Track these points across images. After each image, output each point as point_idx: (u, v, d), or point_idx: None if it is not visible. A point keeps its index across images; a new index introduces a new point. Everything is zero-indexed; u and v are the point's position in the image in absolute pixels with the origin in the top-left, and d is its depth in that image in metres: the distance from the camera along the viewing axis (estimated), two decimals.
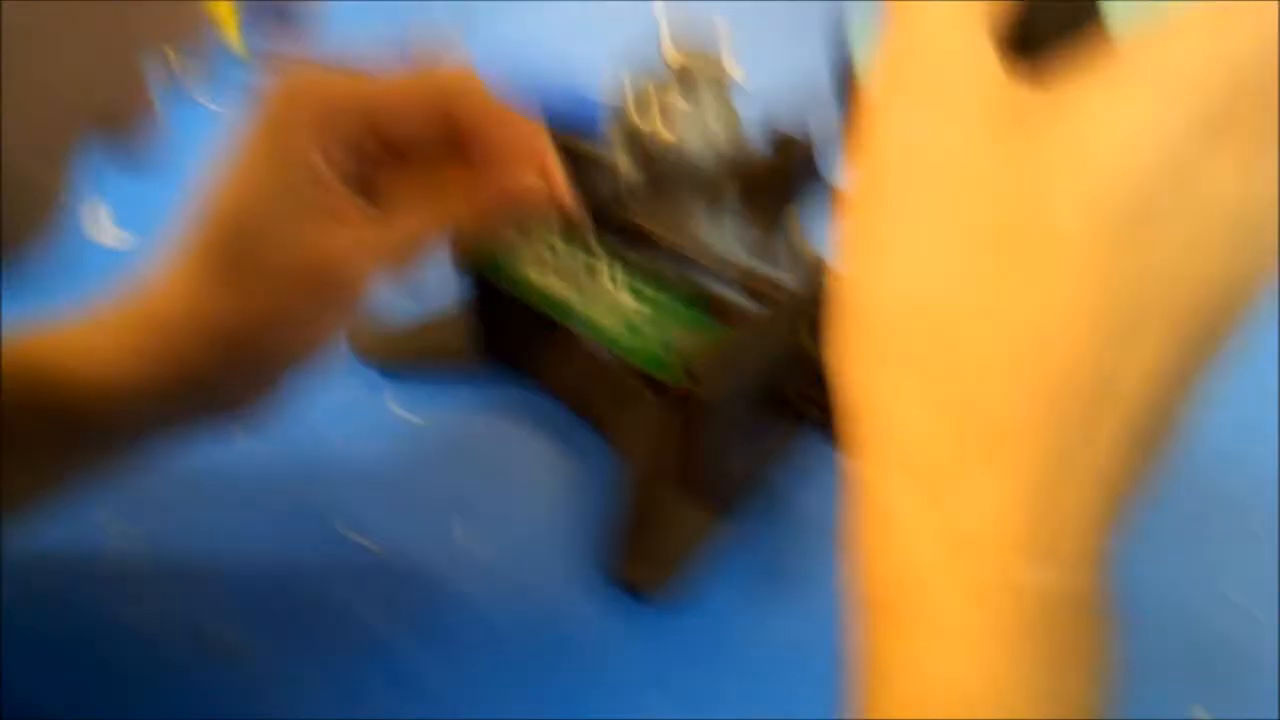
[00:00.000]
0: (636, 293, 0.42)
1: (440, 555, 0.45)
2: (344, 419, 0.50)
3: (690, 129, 0.48)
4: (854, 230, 0.24)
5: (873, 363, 0.24)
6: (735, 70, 0.49)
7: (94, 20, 0.25)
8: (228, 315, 0.35)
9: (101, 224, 0.60)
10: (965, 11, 0.23)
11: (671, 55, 0.49)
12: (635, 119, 0.48)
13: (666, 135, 0.47)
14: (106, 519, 0.46)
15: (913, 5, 0.24)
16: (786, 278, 0.41)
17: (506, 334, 0.47)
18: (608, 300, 0.42)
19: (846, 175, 0.25)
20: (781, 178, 0.47)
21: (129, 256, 0.58)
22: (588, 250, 0.42)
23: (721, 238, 0.48)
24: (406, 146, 0.37)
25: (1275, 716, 0.40)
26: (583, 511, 0.47)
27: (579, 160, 0.41)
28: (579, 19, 0.81)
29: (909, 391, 0.23)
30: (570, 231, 0.42)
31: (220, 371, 0.36)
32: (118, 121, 0.27)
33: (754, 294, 0.40)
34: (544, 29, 0.79)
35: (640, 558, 0.43)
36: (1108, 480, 0.22)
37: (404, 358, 0.53)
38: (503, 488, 0.48)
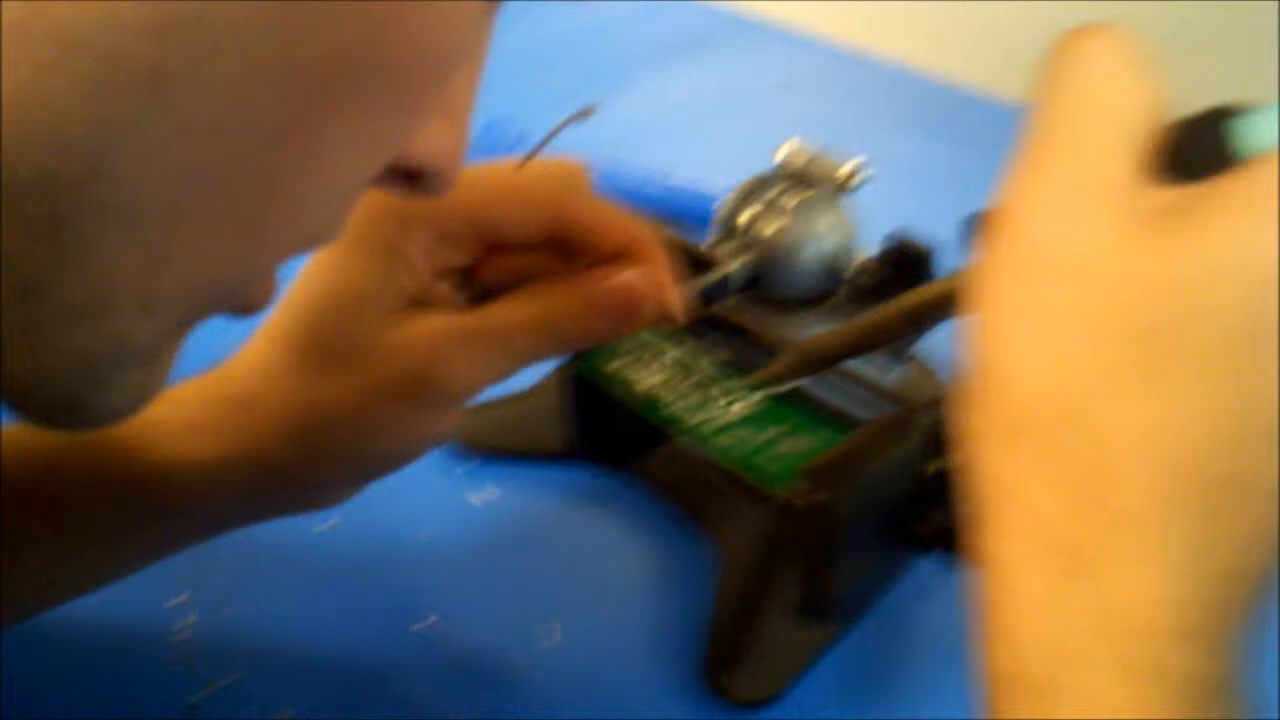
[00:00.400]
0: (743, 399, 0.40)
1: (524, 654, 0.43)
2: (427, 501, 0.49)
3: (800, 230, 0.47)
4: (990, 320, 0.25)
5: (1009, 448, 0.24)
6: (850, 175, 0.47)
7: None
8: (310, 401, 0.34)
9: None
10: (1109, 121, 0.25)
11: (789, 155, 0.48)
12: (744, 217, 0.47)
13: (774, 233, 0.46)
14: (173, 599, 0.45)
15: (1056, 111, 0.25)
16: (901, 386, 0.39)
17: (604, 428, 0.45)
18: (714, 408, 0.40)
19: (978, 268, 0.25)
20: (895, 285, 0.46)
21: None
22: (694, 354, 0.40)
23: None
24: (512, 245, 0.36)
25: None
26: (681, 613, 0.44)
27: (686, 259, 0.40)
28: (703, 110, 0.80)
29: (1046, 476, 0.24)
30: (677, 334, 0.40)
31: (299, 460, 0.35)
32: (244, 301, 0.27)
33: (869, 403, 0.38)
34: (665, 116, 0.78)
35: (743, 669, 0.41)
36: (1247, 570, 0.23)
37: (495, 440, 0.51)
38: (594, 583, 0.46)
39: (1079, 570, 0.23)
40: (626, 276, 0.34)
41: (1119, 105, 0.25)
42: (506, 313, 0.34)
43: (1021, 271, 0.25)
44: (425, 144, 0.26)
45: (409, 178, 0.27)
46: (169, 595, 0.44)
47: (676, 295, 0.35)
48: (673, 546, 0.47)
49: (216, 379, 0.35)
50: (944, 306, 0.32)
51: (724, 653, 0.42)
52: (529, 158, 0.36)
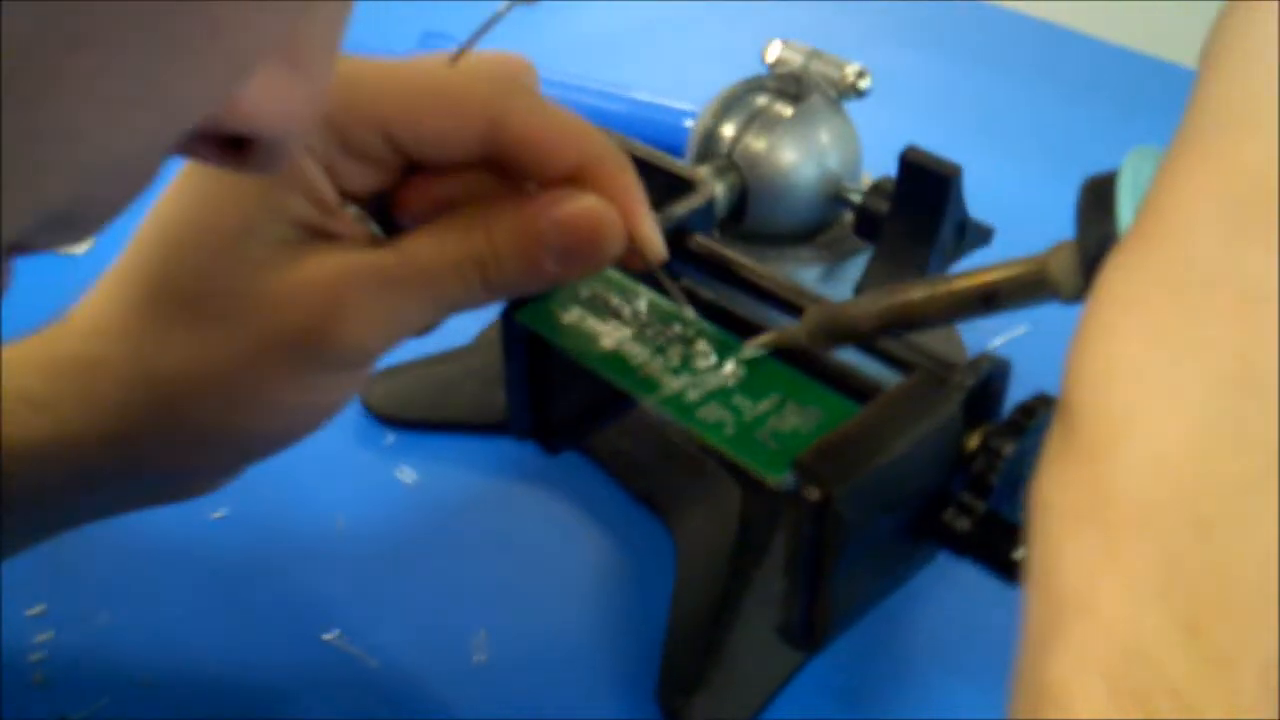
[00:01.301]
0: (734, 358, 0.33)
1: (452, 672, 0.40)
2: (339, 485, 0.46)
3: (796, 144, 0.41)
4: (1115, 344, 0.21)
5: (1094, 535, 0.21)
6: (858, 76, 0.40)
7: None
8: (167, 365, 0.30)
9: None
10: None
11: (778, 55, 0.41)
12: (727, 129, 0.42)
13: (765, 149, 0.41)
14: (31, 608, 0.41)
15: (1236, 90, 0.22)
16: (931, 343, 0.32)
17: (553, 394, 0.38)
18: (699, 369, 0.32)
19: (1109, 268, 0.22)
20: (912, 214, 0.40)
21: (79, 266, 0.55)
22: (670, 301, 0.33)
23: (836, 288, 0.39)
24: (437, 163, 0.31)
25: None
26: (635, 622, 0.41)
27: (658, 181, 0.34)
28: (665, 18, 0.78)
29: (1139, 586, 0.20)
30: (648, 275, 0.33)
31: (155, 440, 0.31)
32: None
33: (892, 361, 0.31)
34: (621, 24, 0.76)
35: (704, 693, 0.38)
36: None
37: (413, 410, 0.47)
38: (534, 585, 0.43)
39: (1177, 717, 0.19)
40: (584, 203, 0.30)
41: None
42: (429, 248, 0.30)
43: (1173, 296, 0.21)
44: (255, 99, 0.21)
45: (234, 146, 0.23)
46: (18, 600, 0.41)
47: (650, 226, 0.31)
48: (625, 538, 0.45)
49: (52, 338, 0.31)
50: (1031, 292, 0.28)
51: (680, 673, 0.39)
52: (460, 54, 0.31)
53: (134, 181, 0.21)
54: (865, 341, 0.31)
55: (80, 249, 0.54)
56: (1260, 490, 0.20)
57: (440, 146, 0.31)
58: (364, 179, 0.31)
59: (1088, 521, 0.21)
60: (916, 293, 0.30)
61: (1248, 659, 0.20)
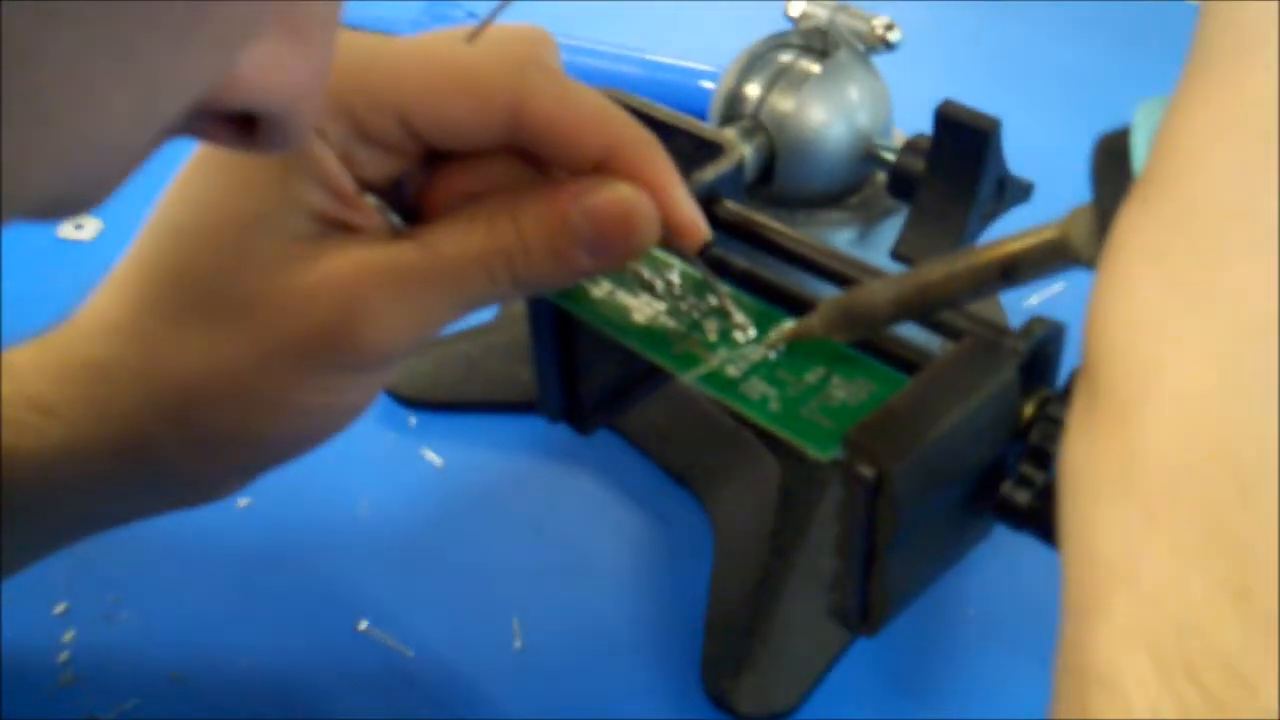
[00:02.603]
0: (776, 329, 0.31)
1: (492, 662, 0.39)
2: (364, 470, 0.45)
3: (825, 102, 0.40)
4: (1134, 300, 0.20)
5: (1129, 503, 0.20)
6: (886, 29, 0.39)
7: None
8: (181, 367, 0.29)
9: None
10: None
11: (803, 9, 0.39)
12: (752, 89, 0.41)
13: (793, 108, 0.40)
14: (54, 607, 0.40)
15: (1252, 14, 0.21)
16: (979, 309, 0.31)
17: (584, 374, 0.37)
18: (739, 342, 0.31)
19: (1122, 221, 0.21)
20: (950, 172, 0.38)
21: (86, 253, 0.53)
22: (707, 275, 0.32)
23: (871, 251, 0.38)
24: (459, 149, 0.30)
25: None
26: (674, 603, 0.41)
27: (681, 145, 0.33)
28: None
29: (1182, 552, 0.19)
30: (682, 249, 0.32)
31: (169, 444, 0.30)
32: None
33: (940, 328, 0.30)
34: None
35: (749, 674, 0.37)
36: None
37: (440, 389, 0.46)
38: (568, 567, 0.42)
39: (1224, 699, 0.18)
40: (617, 191, 0.29)
41: None
42: (452, 242, 0.29)
43: (1190, 241, 0.20)
44: (255, 72, 0.20)
45: (241, 125, 0.22)
46: (46, 605, 0.40)
47: (690, 209, 0.29)
48: (660, 515, 0.44)
49: (62, 340, 0.30)
50: (1050, 260, 0.27)
51: (724, 655, 0.38)
52: (478, 31, 0.29)
53: (125, 162, 0.20)
54: (885, 328, 0.30)
55: (87, 235, 0.54)
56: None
57: (460, 133, 0.29)
58: (381, 166, 0.29)
59: (1121, 486, 0.20)
60: (934, 272, 0.29)
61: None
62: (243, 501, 0.42)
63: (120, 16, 0.17)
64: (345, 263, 0.28)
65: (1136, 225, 0.21)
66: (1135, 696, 0.19)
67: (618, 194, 0.29)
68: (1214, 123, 0.21)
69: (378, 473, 0.44)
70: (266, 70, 0.21)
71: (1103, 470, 0.20)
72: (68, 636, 0.39)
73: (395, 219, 0.31)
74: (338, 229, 0.29)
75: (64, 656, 0.39)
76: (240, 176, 0.28)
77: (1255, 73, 0.20)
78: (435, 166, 0.30)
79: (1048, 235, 0.27)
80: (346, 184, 0.29)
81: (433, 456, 0.45)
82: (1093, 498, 0.20)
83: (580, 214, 0.28)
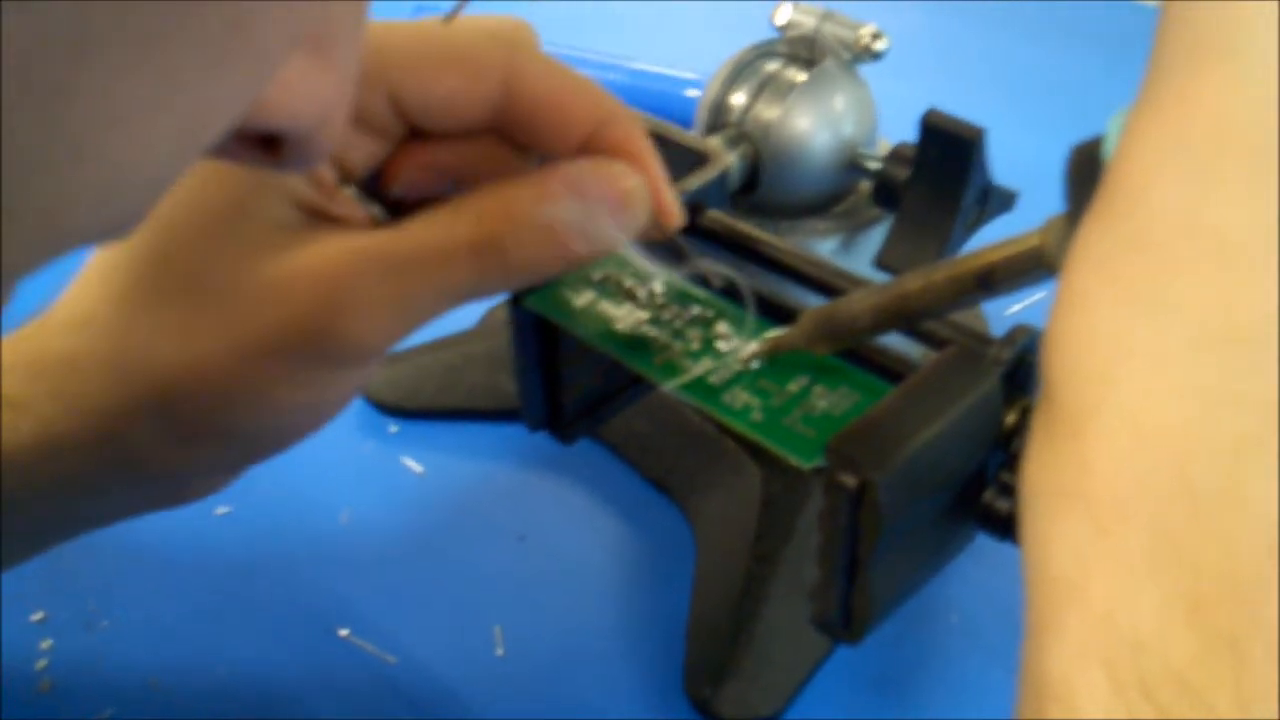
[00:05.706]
0: (759, 338, 0.31)
1: (474, 669, 0.39)
2: (345, 478, 0.45)
3: (810, 111, 0.40)
4: (1090, 316, 0.20)
5: (1082, 518, 0.19)
6: (873, 38, 0.39)
7: None
8: (156, 361, 0.28)
9: None
10: None
11: (789, 17, 0.39)
12: (737, 98, 0.41)
13: (778, 117, 0.40)
14: (32, 614, 0.40)
15: (1206, 22, 0.21)
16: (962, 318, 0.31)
17: (566, 383, 0.37)
18: (722, 351, 0.31)
19: (1083, 231, 0.21)
20: (934, 181, 0.38)
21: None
22: (689, 279, 0.32)
23: (855, 260, 0.38)
24: (442, 131, 0.29)
25: None
26: (656, 611, 0.41)
27: (666, 154, 0.32)
28: None
29: (1140, 568, 0.19)
30: (665, 251, 0.32)
31: (145, 441, 0.29)
32: None
33: (923, 337, 0.30)
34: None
35: (735, 682, 0.37)
36: None
37: (419, 398, 0.46)
38: (550, 575, 0.42)
39: (1173, 709, 0.18)
40: (613, 169, 0.28)
41: None
42: (438, 230, 0.28)
43: (1142, 254, 0.20)
44: (283, 93, 0.20)
45: (263, 144, 0.22)
46: (23, 612, 0.40)
47: (670, 192, 0.29)
48: (641, 523, 0.44)
49: (32, 335, 0.29)
50: (1027, 270, 0.27)
51: (707, 662, 0.38)
52: (453, 13, 0.29)
53: (163, 189, 0.20)
54: (866, 339, 0.30)
55: None
56: (1257, 452, 0.18)
57: (450, 109, 0.28)
58: (365, 150, 0.29)
59: (1072, 501, 0.19)
60: (913, 283, 0.29)
61: (1256, 636, 0.18)
62: (222, 509, 0.42)
63: (156, 43, 0.16)
64: (327, 251, 0.27)
65: (1092, 241, 0.21)
66: (1090, 714, 0.18)
67: (613, 171, 0.28)
68: (1164, 135, 0.21)
69: (358, 480, 0.44)
70: (294, 89, 0.20)
71: (1056, 484, 0.20)
72: (46, 644, 0.39)
73: (376, 210, 0.30)
74: (320, 219, 0.28)
75: (42, 664, 0.38)
76: (218, 162, 0.27)
77: (1203, 81, 0.20)
78: (405, 144, 0.29)
79: (1024, 245, 0.27)
80: (326, 172, 0.28)
81: (413, 464, 0.45)
82: (1047, 513, 0.20)
83: (576, 195, 0.28)
